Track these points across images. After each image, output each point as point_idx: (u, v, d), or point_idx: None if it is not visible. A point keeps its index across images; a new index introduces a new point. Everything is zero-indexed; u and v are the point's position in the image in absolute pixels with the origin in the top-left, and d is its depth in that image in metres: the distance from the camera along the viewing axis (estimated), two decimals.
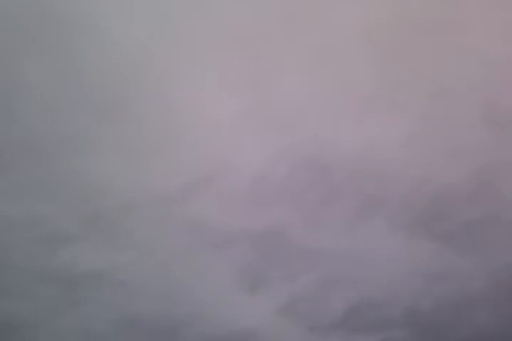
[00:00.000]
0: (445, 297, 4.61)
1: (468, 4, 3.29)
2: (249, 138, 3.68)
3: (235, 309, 4.48)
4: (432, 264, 4.43)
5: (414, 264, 4.43)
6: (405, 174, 3.94)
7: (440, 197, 4.07)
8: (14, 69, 3.25)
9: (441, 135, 3.77)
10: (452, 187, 4.02)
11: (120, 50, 3.29)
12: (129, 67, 3.34)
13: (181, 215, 3.94)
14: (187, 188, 3.82)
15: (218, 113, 3.55)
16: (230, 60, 3.39)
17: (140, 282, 4.24)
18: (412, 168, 3.91)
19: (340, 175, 3.89)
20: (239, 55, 3.38)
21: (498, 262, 4.45)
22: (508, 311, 4.71)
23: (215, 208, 3.95)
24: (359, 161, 3.84)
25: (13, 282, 4.04)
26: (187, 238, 4.06)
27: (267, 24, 3.29)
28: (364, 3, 3.27)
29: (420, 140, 3.78)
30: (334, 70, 3.46)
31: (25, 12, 3.10)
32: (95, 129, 3.51)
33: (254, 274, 4.31)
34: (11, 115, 3.38)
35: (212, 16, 3.26)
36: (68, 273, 4.09)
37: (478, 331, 4.80)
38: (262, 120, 3.61)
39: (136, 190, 3.78)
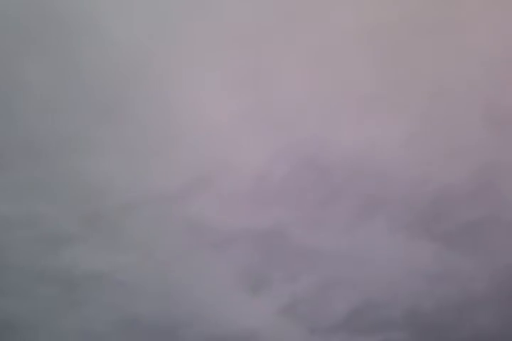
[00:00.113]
0: (446, 298, 4.61)
1: (468, 4, 3.29)
2: (249, 138, 3.68)
3: (236, 310, 4.48)
4: (432, 265, 4.43)
5: (414, 265, 4.43)
6: (406, 174, 3.94)
7: (441, 198, 4.06)
8: (14, 69, 3.26)
9: (441, 135, 3.76)
10: (453, 188, 4.02)
11: (120, 50, 3.29)
12: (129, 67, 3.34)
13: (181, 215, 3.94)
14: (187, 188, 3.82)
15: (218, 113, 3.56)
16: (230, 60, 3.39)
17: (140, 282, 4.24)
18: (412, 168, 3.91)
19: (341, 175, 3.89)
20: (239, 54, 3.38)
21: (499, 263, 4.44)
22: (510, 312, 4.71)
23: (215, 208, 3.95)
24: (359, 161, 3.84)
25: (13, 282, 4.04)
26: (187, 238, 4.07)
27: (267, 24, 3.29)
28: (364, 3, 3.27)
29: (420, 140, 3.78)
30: (334, 70, 3.46)
31: (25, 12, 3.10)
32: (95, 129, 3.51)
33: (255, 275, 4.31)
34: (11, 115, 3.39)
35: (212, 16, 3.25)
36: (68, 273, 4.10)
37: (480, 332, 4.80)
38: (262, 120, 3.61)
39: (136, 190, 3.78)
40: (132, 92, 3.42)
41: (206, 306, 4.44)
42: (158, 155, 3.66)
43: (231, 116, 3.57)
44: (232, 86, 3.47)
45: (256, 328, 4.61)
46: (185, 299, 4.37)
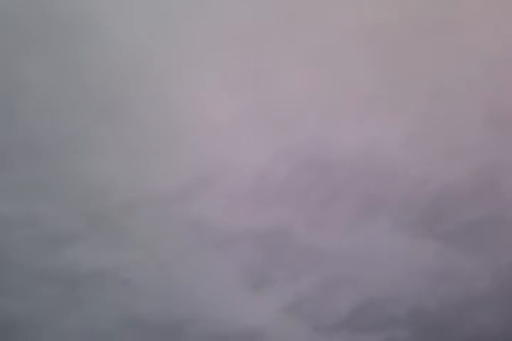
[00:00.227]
0: (448, 297, 4.60)
1: (468, 4, 3.28)
2: (249, 138, 3.68)
3: (239, 308, 4.48)
4: (434, 264, 4.42)
5: (416, 264, 4.42)
6: (407, 174, 3.93)
7: (442, 197, 4.06)
8: (14, 69, 3.26)
9: (442, 135, 3.76)
10: (454, 187, 4.01)
11: (120, 50, 3.29)
12: (129, 67, 3.34)
13: (182, 215, 3.95)
14: (188, 188, 3.82)
15: (219, 113, 3.56)
16: (230, 60, 3.39)
17: (143, 281, 4.25)
18: (413, 167, 3.90)
19: (342, 175, 3.89)
20: (239, 54, 3.38)
21: (501, 261, 4.44)
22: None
23: (216, 208, 3.95)
24: (360, 161, 3.83)
25: (15, 282, 4.06)
26: (189, 238, 4.07)
27: (267, 24, 3.28)
28: (364, 3, 3.26)
29: (421, 140, 3.77)
30: (334, 70, 3.46)
31: (25, 12, 3.10)
32: (95, 129, 3.51)
33: (257, 274, 4.32)
34: (11, 115, 3.39)
35: (212, 16, 3.25)
36: (70, 272, 4.10)
37: (482, 330, 4.80)
38: (262, 120, 3.60)
39: (137, 190, 3.79)
40: (132, 92, 3.42)
41: (209, 305, 4.44)
42: (159, 155, 3.67)
43: (231, 116, 3.57)
44: (232, 86, 3.47)
45: (259, 327, 4.61)
46: (187, 298, 4.38)
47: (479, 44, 3.40)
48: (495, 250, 4.36)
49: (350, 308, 4.59)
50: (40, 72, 3.29)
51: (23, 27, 3.15)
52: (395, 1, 3.26)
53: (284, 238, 4.15)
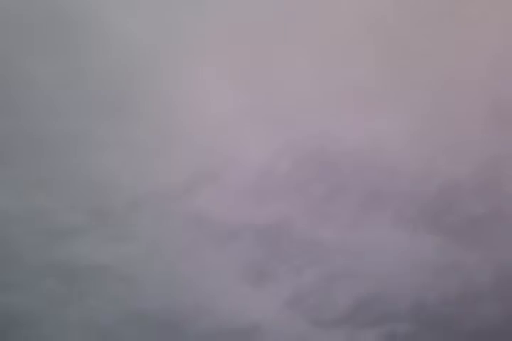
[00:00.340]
0: (451, 291, 4.61)
1: None
2: (252, 133, 3.68)
3: (240, 303, 4.49)
4: (437, 258, 4.43)
5: (419, 258, 4.43)
6: (410, 168, 3.93)
7: (445, 192, 4.06)
8: (18, 67, 3.26)
9: (445, 130, 3.76)
10: (457, 182, 4.02)
11: (124, 48, 3.29)
12: (133, 65, 3.34)
13: (186, 210, 3.95)
14: (191, 183, 3.82)
15: (221, 108, 3.56)
16: (232, 57, 3.39)
17: (145, 275, 4.25)
18: (416, 162, 3.90)
19: (345, 169, 3.89)
20: (242, 52, 3.38)
21: (503, 256, 4.45)
22: None
23: (219, 203, 3.95)
24: (363, 156, 3.84)
25: (18, 276, 4.06)
26: (192, 232, 4.07)
27: (268, 21, 3.28)
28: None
29: (424, 135, 3.77)
30: (338, 65, 3.46)
31: (28, 10, 3.10)
32: (99, 125, 3.52)
33: (259, 268, 4.32)
34: (16, 112, 3.40)
35: (215, 14, 3.25)
36: (73, 266, 4.11)
37: (484, 324, 4.81)
38: (265, 115, 3.61)
39: (141, 186, 3.79)
40: (136, 90, 3.42)
41: (211, 299, 4.45)
42: (162, 150, 3.67)
43: (234, 113, 3.57)
44: (236, 82, 3.47)
45: (260, 321, 4.62)
46: (189, 292, 4.38)
47: (483, 39, 3.40)
48: (496, 245, 4.37)
49: (351, 303, 4.60)
50: (44, 70, 3.29)
51: (27, 25, 3.15)
52: None
53: (286, 232, 4.16)
